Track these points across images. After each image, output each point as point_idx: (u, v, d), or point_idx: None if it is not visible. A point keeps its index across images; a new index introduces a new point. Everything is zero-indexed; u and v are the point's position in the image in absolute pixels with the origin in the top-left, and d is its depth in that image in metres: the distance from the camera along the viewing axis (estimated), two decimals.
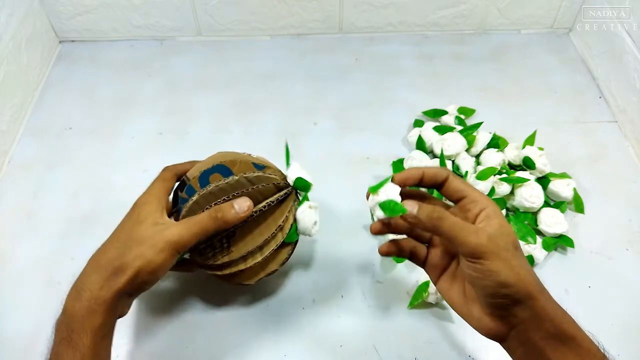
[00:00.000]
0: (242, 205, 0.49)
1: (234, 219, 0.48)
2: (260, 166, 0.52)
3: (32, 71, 0.88)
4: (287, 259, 0.55)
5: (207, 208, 0.49)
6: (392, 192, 0.46)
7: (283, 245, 0.54)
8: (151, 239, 0.45)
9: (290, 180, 0.53)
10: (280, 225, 0.52)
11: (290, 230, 0.53)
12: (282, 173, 0.55)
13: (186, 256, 0.53)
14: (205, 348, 0.59)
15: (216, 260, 0.52)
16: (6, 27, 0.81)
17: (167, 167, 0.54)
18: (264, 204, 0.51)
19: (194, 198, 0.50)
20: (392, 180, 0.46)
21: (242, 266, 0.52)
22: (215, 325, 0.61)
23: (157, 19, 0.95)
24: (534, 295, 0.40)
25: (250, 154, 0.55)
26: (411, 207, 0.43)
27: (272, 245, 0.53)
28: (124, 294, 0.44)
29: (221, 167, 0.50)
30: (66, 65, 0.94)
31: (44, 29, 0.93)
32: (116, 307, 0.45)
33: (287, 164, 0.55)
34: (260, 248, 0.52)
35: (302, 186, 0.53)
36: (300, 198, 0.55)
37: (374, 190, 0.46)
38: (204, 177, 0.50)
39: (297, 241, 0.56)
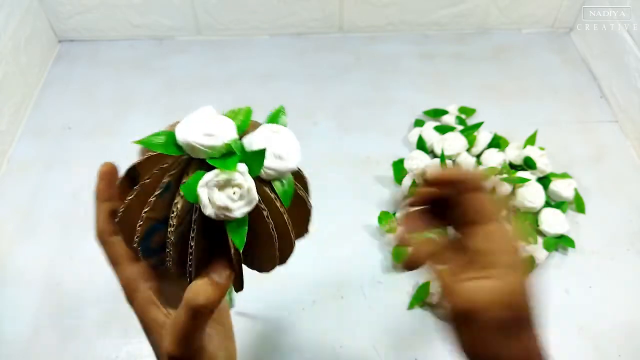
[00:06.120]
0: (221, 274, 0.31)
1: (217, 296, 0.30)
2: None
3: (31, 71, 0.88)
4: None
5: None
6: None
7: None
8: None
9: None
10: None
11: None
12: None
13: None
14: None
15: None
16: (5, 26, 0.80)
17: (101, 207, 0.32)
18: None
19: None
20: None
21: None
22: None
23: (157, 18, 0.94)
24: None
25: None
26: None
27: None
28: None
29: None
30: (65, 65, 0.93)
31: (43, 29, 0.93)
32: None
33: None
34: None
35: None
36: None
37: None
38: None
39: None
